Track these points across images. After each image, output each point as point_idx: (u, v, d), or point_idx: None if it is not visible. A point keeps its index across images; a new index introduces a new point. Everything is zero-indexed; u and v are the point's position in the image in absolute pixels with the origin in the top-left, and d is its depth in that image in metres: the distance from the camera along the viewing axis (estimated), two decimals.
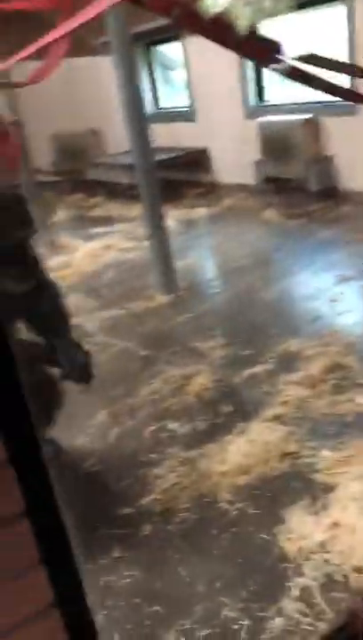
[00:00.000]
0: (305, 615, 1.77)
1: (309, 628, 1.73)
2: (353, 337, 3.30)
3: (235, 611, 1.82)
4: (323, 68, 2.55)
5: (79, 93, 8.95)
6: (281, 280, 4.42)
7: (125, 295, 4.47)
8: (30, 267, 2.27)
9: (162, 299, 4.29)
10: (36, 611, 0.90)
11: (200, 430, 2.72)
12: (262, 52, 2.59)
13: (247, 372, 3.12)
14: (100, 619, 1.86)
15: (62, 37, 3.16)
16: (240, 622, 1.78)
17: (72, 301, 3.83)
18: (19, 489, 0.83)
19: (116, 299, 4.43)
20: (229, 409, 2.84)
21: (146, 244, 4.62)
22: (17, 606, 0.88)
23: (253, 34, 2.27)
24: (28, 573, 0.88)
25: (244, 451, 2.47)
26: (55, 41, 3.23)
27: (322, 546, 1.97)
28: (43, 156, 9.12)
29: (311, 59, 2.46)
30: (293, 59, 2.43)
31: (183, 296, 4.35)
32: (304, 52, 2.39)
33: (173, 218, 6.42)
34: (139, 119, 3.96)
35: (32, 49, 3.06)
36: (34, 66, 4.36)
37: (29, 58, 3.52)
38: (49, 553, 0.89)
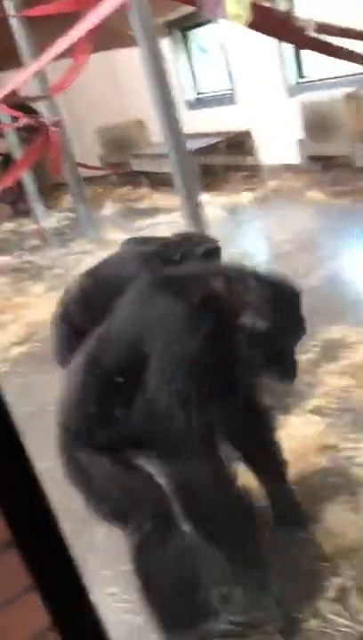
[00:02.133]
0: (341, 616, 1.74)
1: (345, 629, 1.70)
2: None
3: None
4: (334, 35, 2.48)
5: (123, 85, 8.99)
6: (326, 264, 4.30)
7: None
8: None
9: None
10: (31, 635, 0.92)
11: None
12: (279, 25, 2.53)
13: None
14: None
15: (85, 36, 3.17)
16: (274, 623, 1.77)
17: None
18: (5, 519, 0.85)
19: None
20: (267, 401, 2.80)
21: None
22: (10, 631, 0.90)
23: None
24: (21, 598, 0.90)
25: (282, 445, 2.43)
26: (79, 40, 3.24)
27: (360, 543, 1.92)
28: (90, 150, 9.22)
29: (323, 28, 2.38)
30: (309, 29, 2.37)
31: None
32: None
33: (217, 205, 6.37)
34: (167, 108, 3.92)
35: (54, 51, 3.09)
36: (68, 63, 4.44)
37: (58, 58, 3.55)
38: (41, 577, 0.91)
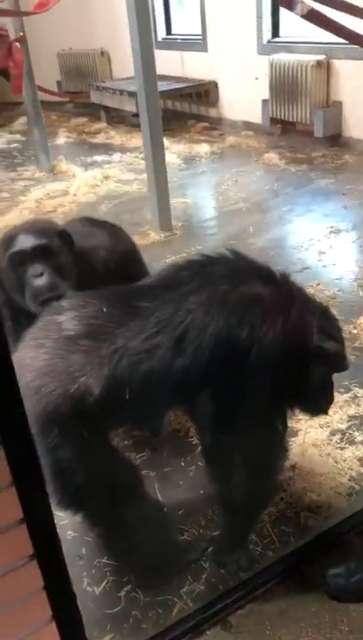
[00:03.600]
0: (256, 545, 1.94)
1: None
2: (335, 290, 3.39)
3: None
4: (337, 9, 2.49)
5: (91, 10, 8.62)
6: (275, 227, 4.45)
7: None
8: None
9: (156, 236, 4.33)
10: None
11: None
12: None
13: None
14: None
15: None
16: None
17: None
18: None
19: None
20: None
21: (144, 177, 4.61)
22: None
23: None
24: None
25: None
26: None
27: (280, 486, 2.12)
28: (48, 74, 8.84)
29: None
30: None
31: (178, 235, 4.39)
32: None
33: (175, 152, 6.36)
34: (145, 44, 3.84)
35: None
36: None
37: None
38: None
